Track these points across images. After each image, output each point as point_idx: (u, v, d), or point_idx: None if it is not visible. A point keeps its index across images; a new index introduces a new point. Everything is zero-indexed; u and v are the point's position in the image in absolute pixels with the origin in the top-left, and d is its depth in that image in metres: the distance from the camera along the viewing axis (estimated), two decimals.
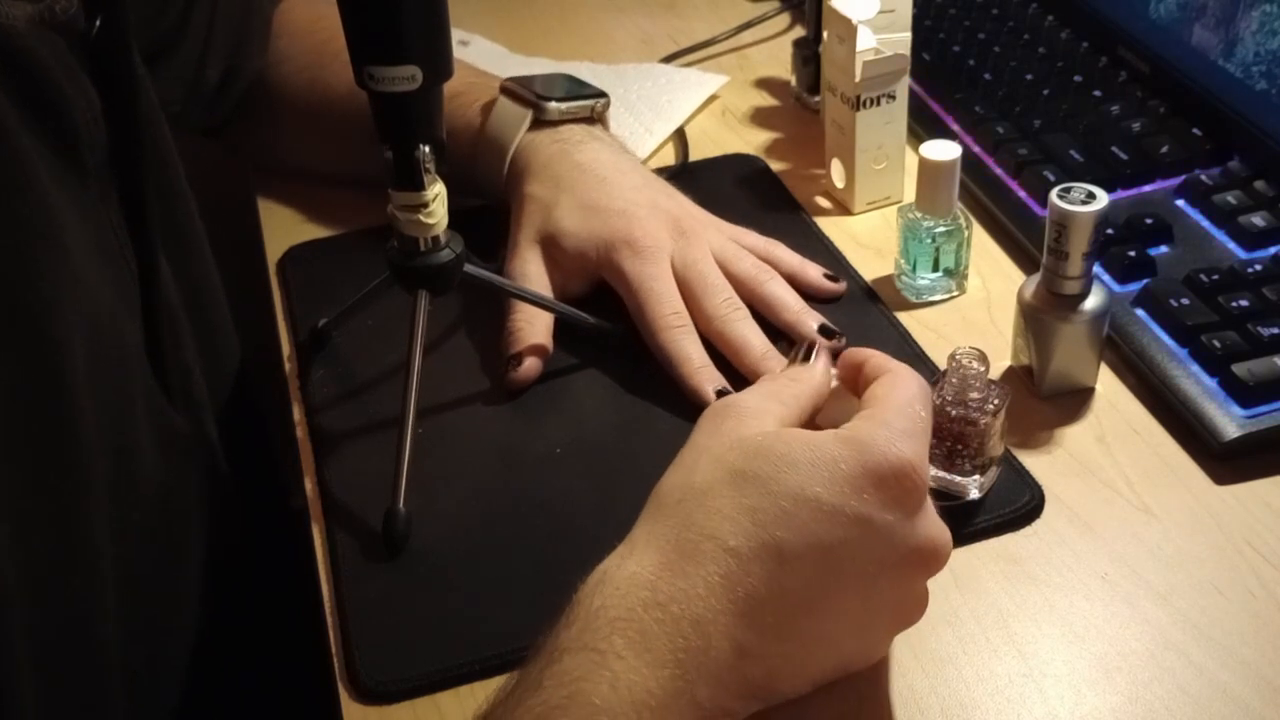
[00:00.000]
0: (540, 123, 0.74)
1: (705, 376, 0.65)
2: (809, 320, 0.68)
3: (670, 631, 0.43)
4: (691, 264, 0.69)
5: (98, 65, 0.56)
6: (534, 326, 0.68)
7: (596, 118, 0.77)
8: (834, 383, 0.54)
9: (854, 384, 0.53)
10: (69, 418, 0.50)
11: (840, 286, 0.72)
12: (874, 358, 0.52)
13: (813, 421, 0.53)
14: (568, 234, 0.69)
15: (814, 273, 0.72)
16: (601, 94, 0.77)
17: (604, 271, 0.70)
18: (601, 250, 0.69)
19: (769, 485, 0.46)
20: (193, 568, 0.64)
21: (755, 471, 0.46)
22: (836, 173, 0.80)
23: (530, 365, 0.67)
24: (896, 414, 0.48)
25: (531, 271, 0.70)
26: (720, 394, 0.63)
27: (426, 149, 0.58)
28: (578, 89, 0.77)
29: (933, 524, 0.48)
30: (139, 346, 0.58)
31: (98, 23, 0.55)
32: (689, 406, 0.64)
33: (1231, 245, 0.71)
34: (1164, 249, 0.71)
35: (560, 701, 0.42)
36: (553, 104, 0.74)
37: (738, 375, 0.66)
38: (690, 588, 0.44)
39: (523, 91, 0.75)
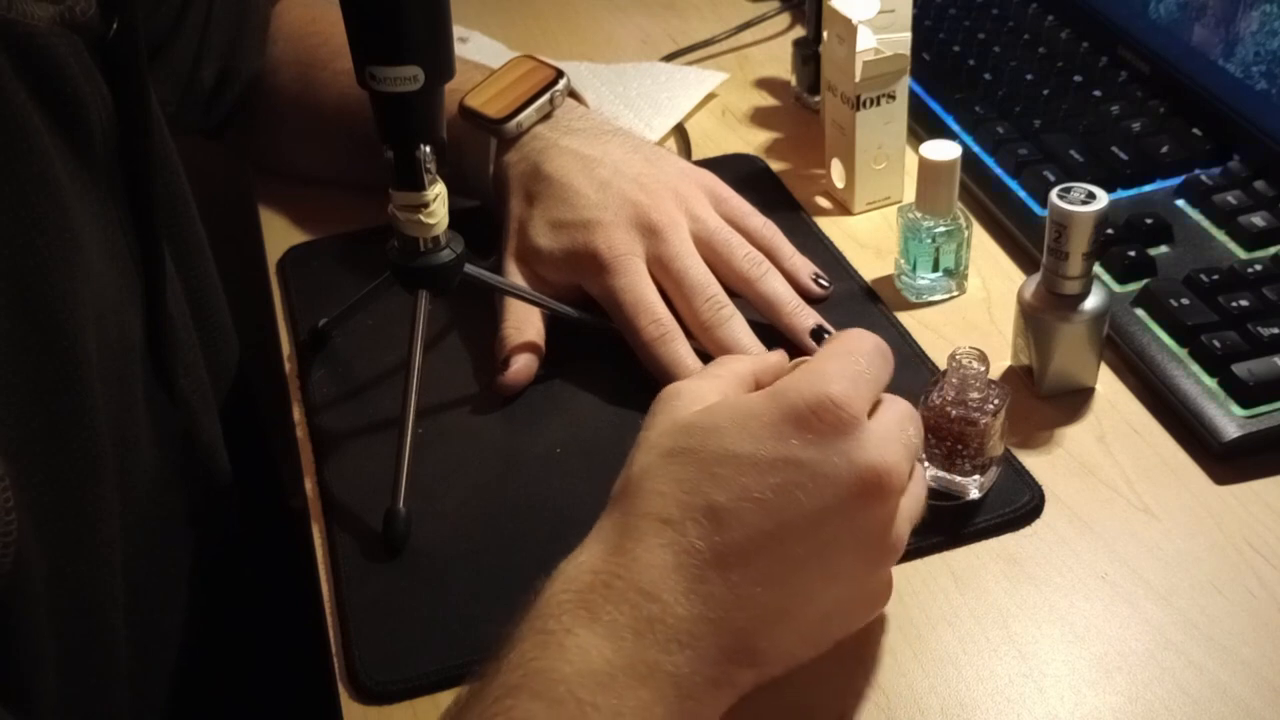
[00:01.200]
0: (505, 142, 0.73)
1: None
2: (805, 320, 0.67)
3: (617, 601, 0.44)
4: (669, 261, 0.67)
5: (111, 66, 0.56)
6: (523, 331, 0.67)
7: (557, 105, 0.74)
8: None
9: None
10: (82, 409, 0.51)
11: (826, 292, 0.71)
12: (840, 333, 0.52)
13: None
14: (542, 252, 0.69)
15: (805, 272, 0.71)
16: (553, 82, 0.74)
17: (583, 286, 0.69)
18: (574, 266, 0.68)
19: (697, 454, 0.47)
20: (190, 567, 0.64)
21: (684, 446, 0.47)
22: (836, 173, 0.80)
23: (519, 368, 0.66)
24: (827, 359, 0.49)
25: (520, 287, 0.70)
26: None
27: (427, 149, 0.59)
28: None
29: (869, 450, 0.46)
30: (141, 343, 0.58)
31: (115, 25, 0.55)
32: None
33: (1231, 245, 0.71)
34: (1164, 249, 0.71)
35: (518, 681, 0.43)
36: (510, 124, 0.72)
37: None
38: (632, 561, 0.45)
39: (479, 116, 0.73)
